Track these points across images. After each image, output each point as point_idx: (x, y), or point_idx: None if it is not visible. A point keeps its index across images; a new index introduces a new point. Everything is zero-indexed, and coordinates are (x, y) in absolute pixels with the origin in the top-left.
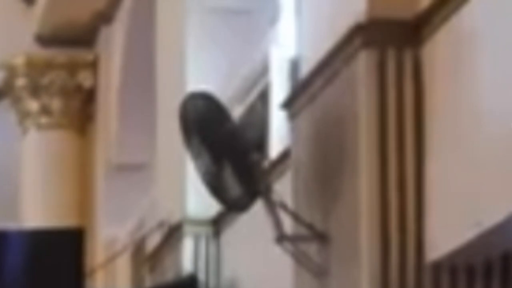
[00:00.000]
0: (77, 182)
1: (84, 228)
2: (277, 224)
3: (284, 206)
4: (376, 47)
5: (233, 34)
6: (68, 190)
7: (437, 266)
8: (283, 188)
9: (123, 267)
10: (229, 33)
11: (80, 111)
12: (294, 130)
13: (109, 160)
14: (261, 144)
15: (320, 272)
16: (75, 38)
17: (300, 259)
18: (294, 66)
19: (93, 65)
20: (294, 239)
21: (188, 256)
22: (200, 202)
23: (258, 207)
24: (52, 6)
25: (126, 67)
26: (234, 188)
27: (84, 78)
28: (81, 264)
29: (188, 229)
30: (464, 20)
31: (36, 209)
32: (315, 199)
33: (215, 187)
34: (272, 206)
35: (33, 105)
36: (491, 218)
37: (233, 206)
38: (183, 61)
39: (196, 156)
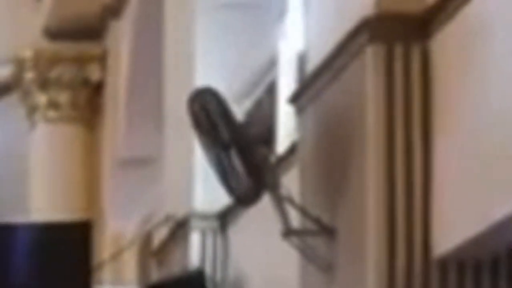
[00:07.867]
0: (85, 175)
1: (92, 221)
2: (284, 218)
3: (291, 200)
4: (384, 42)
5: (241, 28)
6: (76, 184)
7: (444, 261)
8: (290, 182)
9: (130, 260)
10: (237, 27)
11: (88, 105)
12: (301, 125)
13: (116, 153)
14: (268, 138)
15: (327, 266)
16: (83, 32)
17: (307, 253)
18: (302, 60)
19: (101, 59)
20: (301, 233)
21: (195, 250)
22: (207, 196)
23: (265, 201)
24: (60, 0)
25: (134, 60)
26: (241, 182)
27: (92, 72)
28: (89, 257)
29: (195, 223)
30: (471, 14)
31: (44, 203)
32: (322, 193)
33: (225, 178)
34: (279, 200)
35: (41, 98)
36: (498, 213)
37: (240, 200)
38: (191, 55)
39: (206, 150)
